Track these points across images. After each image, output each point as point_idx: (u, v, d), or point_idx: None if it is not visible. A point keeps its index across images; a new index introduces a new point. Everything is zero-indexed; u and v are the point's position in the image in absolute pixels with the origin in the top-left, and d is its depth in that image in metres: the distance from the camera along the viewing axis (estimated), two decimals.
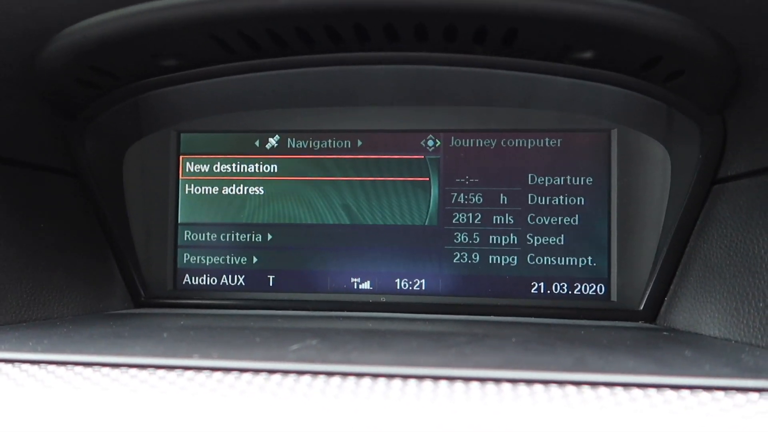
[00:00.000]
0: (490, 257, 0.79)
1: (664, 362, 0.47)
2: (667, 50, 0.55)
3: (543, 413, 0.37)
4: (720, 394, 0.39)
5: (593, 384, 0.40)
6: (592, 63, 0.63)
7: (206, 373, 0.43)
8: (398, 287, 0.80)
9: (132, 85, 0.70)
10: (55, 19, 0.53)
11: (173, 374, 0.43)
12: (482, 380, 0.41)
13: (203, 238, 0.83)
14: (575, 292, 0.78)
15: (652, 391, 0.40)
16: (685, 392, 0.39)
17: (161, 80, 0.70)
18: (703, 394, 0.39)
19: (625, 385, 0.40)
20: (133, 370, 0.43)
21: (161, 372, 0.43)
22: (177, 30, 0.55)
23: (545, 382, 0.41)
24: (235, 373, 0.42)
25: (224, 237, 0.83)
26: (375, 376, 0.42)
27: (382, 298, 0.80)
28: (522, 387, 0.40)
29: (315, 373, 0.42)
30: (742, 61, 0.55)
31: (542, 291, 0.78)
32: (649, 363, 0.46)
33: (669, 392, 0.39)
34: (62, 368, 0.44)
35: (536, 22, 0.55)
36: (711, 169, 0.67)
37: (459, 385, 0.41)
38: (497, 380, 0.41)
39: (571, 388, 0.40)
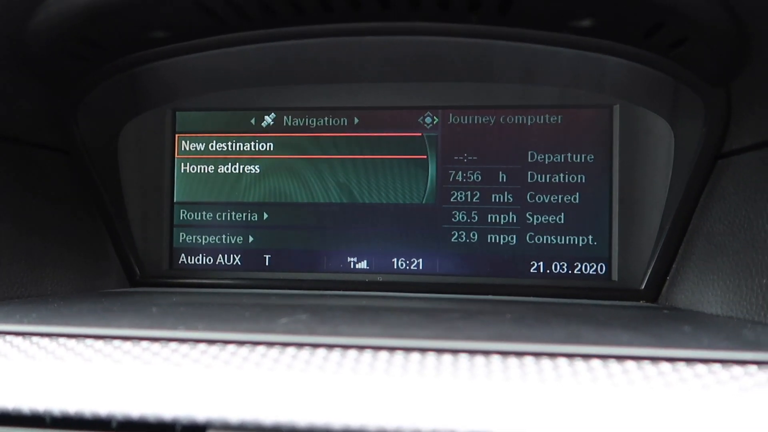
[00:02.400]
0: (489, 236, 0.78)
1: (661, 337, 0.45)
2: (669, 16, 0.53)
3: (533, 385, 0.36)
4: (717, 366, 0.38)
5: (586, 356, 0.39)
6: (592, 32, 0.61)
7: (190, 344, 0.42)
8: (395, 267, 0.79)
9: (123, 59, 0.69)
10: None
11: (157, 345, 0.42)
12: (471, 352, 0.40)
13: (199, 218, 0.83)
14: (575, 272, 0.76)
15: (646, 363, 0.38)
16: (681, 365, 0.38)
17: (152, 53, 0.69)
18: (700, 367, 0.38)
19: (619, 358, 0.39)
20: (117, 342, 0.43)
21: (145, 343, 0.42)
22: None
23: (536, 355, 0.40)
24: (219, 345, 0.41)
25: (220, 216, 0.82)
26: (361, 348, 0.41)
27: (379, 278, 0.79)
28: (512, 359, 0.39)
29: (300, 345, 0.41)
30: (746, 27, 0.53)
31: (541, 270, 0.77)
32: (645, 337, 0.45)
33: (664, 365, 0.38)
34: (46, 339, 0.44)
35: None
36: (715, 143, 0.66)
37: (447, 357, 0.40)
38: (486, 352, 0.40)
39: (562, 361, 0.39)
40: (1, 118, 0.66)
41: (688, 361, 0.38)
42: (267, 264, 0.81)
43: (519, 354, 0.40)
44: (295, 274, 0.80)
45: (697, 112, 0.67)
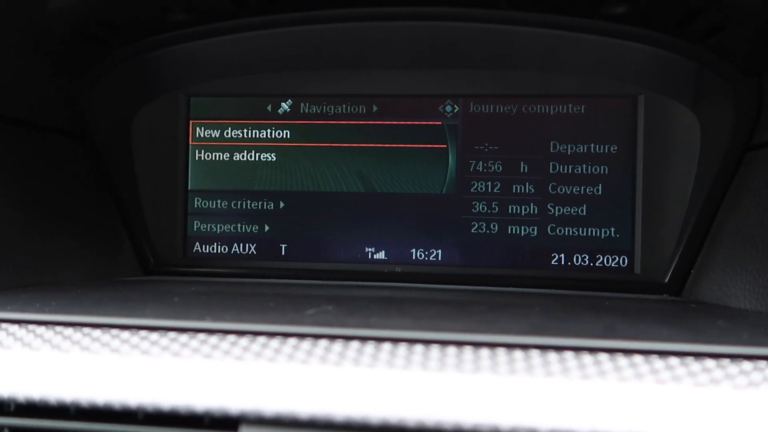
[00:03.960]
0: (509, 227, 0.77)
1: (699, 331, 0.44)
2: (709, 3, 0.52)
3: (576, 382, 0.35)
4: (763, 363, 0.37)
5: (627, 351, 0.38)
6: (623, 19, 0.60)
7: (219, 335, 0.41)
8: (414, 257, 0.78)
9: (140, 42, 0.67)
10: None
11: (185, 336, 0.41)
12: (509, 346, 0.39)
13: (214, 206, 0.81)
14: (597, 264, 0.75)
15: (689, 359, 0.37)
16: (726, 361, 0.37)
17: (169, 37, 0.67)
18: (746, 363, 0.37)
19: (661, 353, 0.38)
20: (143, 332, 0.42)
21: (172, 334, 0.41)
22: None
23: (576, 349, 0.38)
24: (249, 336, 0.40)
25: (235, 204, 0.81)
26: (396, 340, 0.40)
27: (398, 269, 0.78)
28: (551, 354, 0.38)
29: (333, 337, 0.40)
30: None
31: (563, 262, 0.76)
32: (682, 332, 0.44)
33: (708, 361, 0.37)
34: (70, 329, 0.42)
35: None
36: (745, 134, 0.64)
37: (485, 351, 0.39)
38: (525, 346, 0.39)
39: (603, 356, 0.38)
40: (16, 101, 0.64)
41: (733, 357, 0.37)
42: (283, 253, 0.80)
43: (558, 348, 0.39)
44: (312, 264, 0.79)
45: (726, 103, 0.65)
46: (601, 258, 0.75)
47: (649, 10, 0.58)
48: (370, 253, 0.79)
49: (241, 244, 0.81)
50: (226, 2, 0.60)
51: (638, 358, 0.38)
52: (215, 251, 0.81)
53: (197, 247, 0.82)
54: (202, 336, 0.41)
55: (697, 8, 0.54)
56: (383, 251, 0.78)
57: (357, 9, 0.66)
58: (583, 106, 0.76)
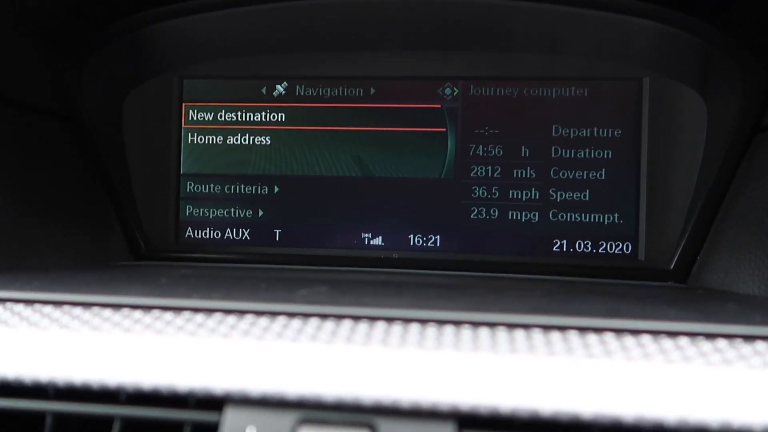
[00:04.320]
0: (510, 213, 0.75)
1: (709, 313, 0.42)
2: None
3: (581, 361, 0.33)
4: None
5: (635, 332, 0.36)
6: None
7: (205, 313, 0.39)
8: (411, 243, 0.76)
9: (131, 17, 0.65)
10: None
11: (169, 314, 0.39)
12: (510, 326, 0.37)
13: (206, 190, 0.79)
14: (600, 251, 0.73)
15: (700, 339, 0.36)
16: (739, 341, 0.35)
17: (163, 12, 0.65)
18: (760, 343, 0.35)
19: (671, 334, 0.36)
20: (126, 310, 0.40)
21: (156, 312, 0.39)
22: None
23: (581, 329, 0.37)
24: (236, 315, 0.39)
25: (228, 189, 0.79)
26: (390, 319, 0.38)
27: (395, 255, 0.76)
28: (555, 334, 0.36)
29: (324, 316, 0.38)
30: None
31: (564, 249, 0.74)
32: (692, 313, 0.42)
33: (721, 341, 0.35)
34: (50, 307, 0.41)
35: None
36: (753, 116, 0.62)
37: (484, 330, 0.37)
38: (527, 326, 0.37)
39: (609, 335, 0.36)
40: (3, 80, 0.62)
41: (746, 338, 0.36)
42: (277, 239, 0.78)
43: (562, 328, 0.37)
44: (307, 250, 0.77)
45: (734, 84, 0.63)
46: (605, 244, 0.73)
47: None
48: (366, 239, 0.77)
49: (235, 230, 0.79)
50: None
51: (646, 338, 0.36)
52: (208, 236, 0.79)
53: (189, 232, 0.80)
54: (186, 314, 0.39)
55: None
56: (380, 237, 0.76)
57: None
58: (586, 89, 0.74)
